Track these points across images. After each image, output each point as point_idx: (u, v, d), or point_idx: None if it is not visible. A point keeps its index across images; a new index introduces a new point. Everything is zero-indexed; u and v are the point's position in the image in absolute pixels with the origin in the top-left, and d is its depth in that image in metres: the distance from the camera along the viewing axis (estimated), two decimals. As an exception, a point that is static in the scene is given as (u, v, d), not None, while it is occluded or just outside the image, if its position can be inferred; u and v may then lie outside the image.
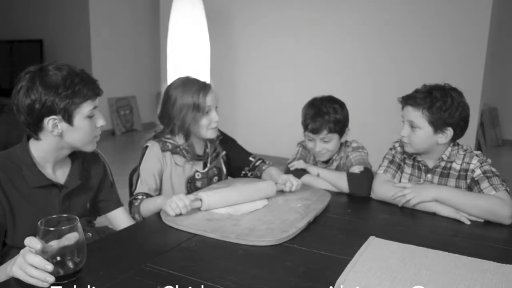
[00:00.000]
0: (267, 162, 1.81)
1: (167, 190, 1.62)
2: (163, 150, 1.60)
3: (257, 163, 1.80)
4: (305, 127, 1.76)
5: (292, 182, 1.54)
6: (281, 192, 1.55)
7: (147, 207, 1.46)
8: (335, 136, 1.74)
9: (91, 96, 1.21)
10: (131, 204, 1.52)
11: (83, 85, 1.18)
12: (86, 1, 5.63)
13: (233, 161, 1.80)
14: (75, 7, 5.74)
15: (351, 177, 1.63)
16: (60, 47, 5.95)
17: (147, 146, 1.62)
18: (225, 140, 1.79)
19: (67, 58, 5.66)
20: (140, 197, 1.52)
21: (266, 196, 1.49)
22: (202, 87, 1.59)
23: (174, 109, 1.58)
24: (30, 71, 1.16)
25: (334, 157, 1.82)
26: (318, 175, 1.70)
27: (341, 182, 1.64)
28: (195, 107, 1.56)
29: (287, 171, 1.78)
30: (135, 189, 1.57)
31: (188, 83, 1.60)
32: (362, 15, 4.17)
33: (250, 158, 1.81)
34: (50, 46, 5.96)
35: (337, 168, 1.81)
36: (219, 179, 1.74)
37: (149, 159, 1.59)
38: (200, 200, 1.36)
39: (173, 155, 1.62)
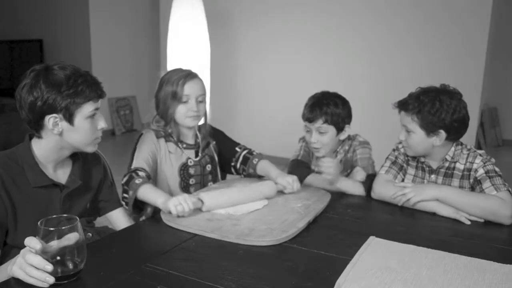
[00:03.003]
0: (254, 152, 1.76)
1: (161, 177, 1.63)
2: (158, 136, 1.64)
3: (243, 153, 1.75)
4: (303, 116, 1.78)
5: (293, 187, 1.54)
6: (282, 192, 1.56)
7: (146, 195, 1.40)
8: (330, 129, 1.74)
9: (93, 97, 1.21)
10: (130, 178, 1.44)
11: (86, 86, 1.19)
12: (86, 1, 5.62)
13: (221, 151, 1.80)
14: (75, 7, 5.74)
15: (366, 187, 1.65)
16: (60, 47, 5.95)
17: (141, 134, 1.65)
18: (213, 132, 1.81)
19: (67, 58, 5.64)
20: (141, 174, 1.46)
21: (266, 196, 1.50)
22: (185, 76, 1.62)
23: (159, 93, 1.65)
24: (36, 69, 1.17)
25: (338, 150, 1.82)
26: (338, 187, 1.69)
27: (357, 190, 1.65)
28: (173, 94, 1.61)
29: (291, 168, 1.79)
30: (131, 164, 1.54)
31: (177, 70, 1.65)
32: (363, 16, 4.17)
33: (236, 149, 1.78)
34: (50, 46, 5.96)
35: (340, 161, 1.81)
36: (212, 167, 1.74)
37: (144, 142, 1.61)
38: (201, 200, 1.36)
39: (167, 142, 1.65)
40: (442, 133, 1.48)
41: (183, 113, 1.62)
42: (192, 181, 1.68)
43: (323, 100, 1.74)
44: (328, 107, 1.72)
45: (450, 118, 1.46)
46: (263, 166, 1.70)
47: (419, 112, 1.47)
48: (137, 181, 1.42)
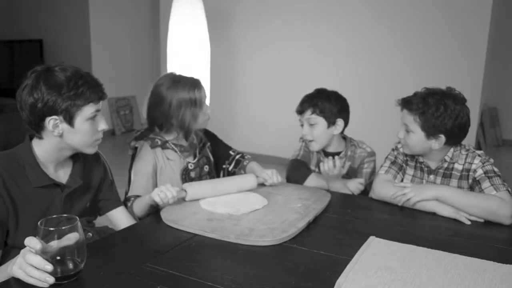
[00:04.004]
0: (246, 156, 1.84)
1: (162, 184, 1.63)
2: (153, 147, 1.62)
3: (236, 157, 1.83)
4: (296, 110, 1.83)
5: (273, 179, 1.61)
6: (263, 185, 1.62)
7: (139, 205, 1.48)
8: (320, 121, 1.76)
9: (94, 99, 1.21)
10: (124, 206, 1.53)
11: (86, 88, 1.18)
12: (86, 1, 5.62)
13: (215, 154, 1.83)
14: (75, 7, 5.74)
15: None
16: (60, 47, 5.94)
17: (136, 148, 1.63)
18: (206, 133, 1.83)
19: (67, 58, 5.66)
20: (132, 199, 1.54)
21: (247, 188, 1.56)
22: (194, 83, 1.63)
23: (171, 109, 1.59)
24: (37, 70, 1.17)
25: (341, 155, 1.81)
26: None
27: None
28: (193, 103, 1.60)
29: (291, 168, 1.80)
30: (127, 191, 1.60)
31: (180, 81, 1.62)
32: (363, 16, 4.17)
33: (230, 152, 1.84)
34: (50, 46, 5.96)
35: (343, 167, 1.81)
36: (209, 168, 1.77)
37: (140, 161, 1.60)
38: (185, 190, 1.42)
39: (164, 150, 1.64)
40: (442, 138, 1.47)
41: (202, 118, 1.66)
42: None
43: (315, 94, 1.80)
44: (319, 99, 1.76)
45: (452, 123, 1.45)
46: (251, 167, 1.77)
47: (423, 114, 1.46)
48: (129, 204, 1.52)
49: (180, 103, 1.58)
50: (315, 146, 1.80)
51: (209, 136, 1.85)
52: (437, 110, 1.45)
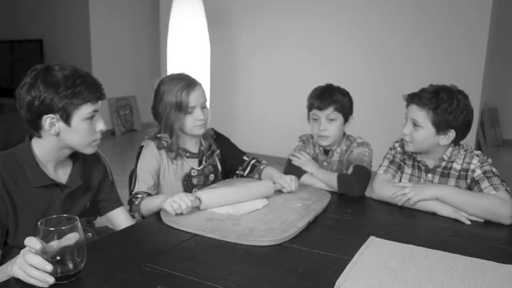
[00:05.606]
0: (262, 161, 1.78)
1: (164, 187, 1.62)
2: (159, 148, 1.61)
3: (251, 162, 1.76)
4: (311, 105, 1.79)
5: (291, 186, 1.55)
6: (280, 192, 1.56)
7: (147, 206, 1.44)
8: (339, 117, 1.76)
9: (92, 99, 1.20)
10: (131, 203, 1.50)
11: (84, 87, 1.18)
12: (86, 1, 5.62)
13: (227, 160, 1.78)
14: (75, 7, 5.74)
15: (340, 178, 1.66)
16: (60, 47, 5.95)
17: (142, 146, 1.62)
18: (218, 139, 1.79)
19: (67, 58, 5.65)
20: (140, 196, 1.50)
21: (264, 195, 1.49)
22: (187, 86, 1.56)
23: (160, 106, 1.59)
24: (36, 69, 1.18)
25: (334, 149, 1.82)
26: (311, 174, 1.74)
27: (333, 183, 1.67)
28: (178, 106, 1.55)
29: (288, 166, 1.80)
30: (133, 188, 1.56)
31: (175, 80, 1.59)
32: (363, 15, 4.17)
33: (244, 158, 1.78)
34: (50, 46, 5.96)
35: (339, 161, 1.82)
36: (215, 177, 1.73)
37: (145, 158, 1.59)
38: (199, 199, 1.37)
39: (168, 152, 1.62)
40: (452, 133, 1.47)
41: (191, 124, 1.59)
42: (195, 191, 1.65)
43: (331, 90, 1.78)
44: (337, 95, 1.76)
45: (462, 119, 1.45)
46: (267, 172, 1.71)
47: (436, 108, 1.45)
48: (136, 202, 1.47)
49: (167, 102, 1.57)
50: (329, 141, 1.78)
51: (222, 141, 1.79)
52: (450, 105, 1.44)
